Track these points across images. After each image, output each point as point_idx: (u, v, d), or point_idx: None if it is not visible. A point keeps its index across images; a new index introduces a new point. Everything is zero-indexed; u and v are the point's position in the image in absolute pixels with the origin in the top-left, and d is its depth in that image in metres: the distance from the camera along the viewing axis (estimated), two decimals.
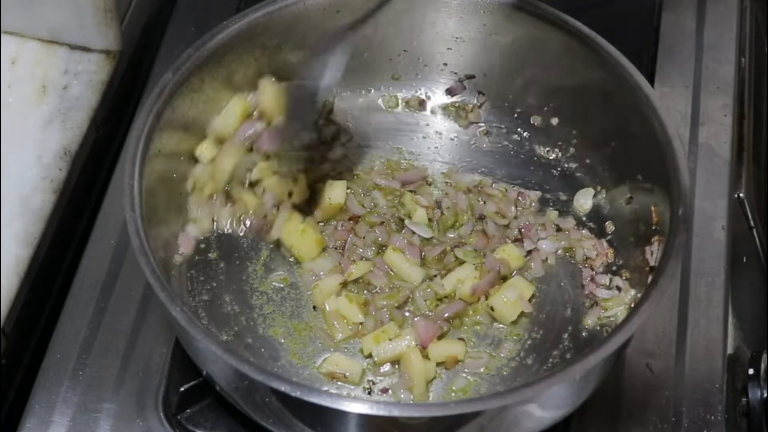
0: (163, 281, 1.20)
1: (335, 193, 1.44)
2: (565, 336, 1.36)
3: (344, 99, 1.55)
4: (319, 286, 1.38)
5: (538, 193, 1.48)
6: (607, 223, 1.44)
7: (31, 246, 1.43)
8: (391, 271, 1.40)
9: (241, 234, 1.43)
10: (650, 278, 1.27)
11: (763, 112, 1.73)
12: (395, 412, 1.13)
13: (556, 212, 1.46)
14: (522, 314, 1.37)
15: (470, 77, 1.54)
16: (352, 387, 1.32)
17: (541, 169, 1.50)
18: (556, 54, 1.44)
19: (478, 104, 1.55)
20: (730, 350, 1.43)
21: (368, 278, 1.39)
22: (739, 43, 1.71)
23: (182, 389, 1.33)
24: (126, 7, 1.65)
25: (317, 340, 1.35)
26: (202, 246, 1.41)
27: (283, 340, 1.35)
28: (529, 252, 1.42)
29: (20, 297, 1.41)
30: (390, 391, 1.32)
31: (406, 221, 1.43)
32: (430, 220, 1.44)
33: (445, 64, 1.54)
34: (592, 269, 1.41)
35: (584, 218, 1.46)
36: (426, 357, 1.32)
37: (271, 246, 1.42)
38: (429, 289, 1.38)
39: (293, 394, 1.12)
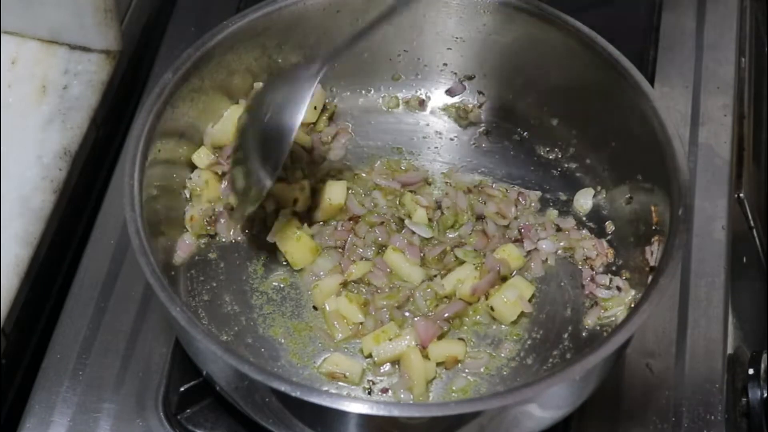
0: (163, 281, 1.20)
1: (335, 193, 1.44)
2: (565, 336, 1.36)
3: (344, 99, 1.55)
4: (319, 286, 1.38)
5: (538, 193, 1.48)
6: (607, 223, 1.44)
7: (31, 246, 1.43)
8: (391, 271, 1.40)
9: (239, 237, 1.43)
10: (650, 278, 1.28)
11: (763, 112, 1.73)
12: (395, 412, 1.13)
13: (556, 212, 1.46)
14: (522, 314, 1.37)
15: (470, 77, 1.54)
16: (352, 387, 1.32)
17: (541, 169, 1.50)
18: (556, 54, 1.44)
19: (478, 104, 1.55)
20: (730, 350, 1.43)
21: (368, 278, 1.39)
22: (739, 43, 1.71)
23: (182, 389, 1.33)
24: (126, 7, 1.65)
25: (317, 340, 1.35)
26: (202, 246, 1.41)
27: (283, 340, 1.35)
28: (529, 252, 1.42)
29: (20, 297, 1.41)
30: (390, 391, 1.32)
31: (406, 221, 1.43)
32: (430, 220, 1.44)
33: (445, 64, 1.54)
34: (592, 269, 1.41)
35: (584, 218, 1.46)
36: (426, 357, 1.32)
37: (271, 246, 1.42)
38: (429, 289, 1.38)
39: (293, 394, 1.12)
